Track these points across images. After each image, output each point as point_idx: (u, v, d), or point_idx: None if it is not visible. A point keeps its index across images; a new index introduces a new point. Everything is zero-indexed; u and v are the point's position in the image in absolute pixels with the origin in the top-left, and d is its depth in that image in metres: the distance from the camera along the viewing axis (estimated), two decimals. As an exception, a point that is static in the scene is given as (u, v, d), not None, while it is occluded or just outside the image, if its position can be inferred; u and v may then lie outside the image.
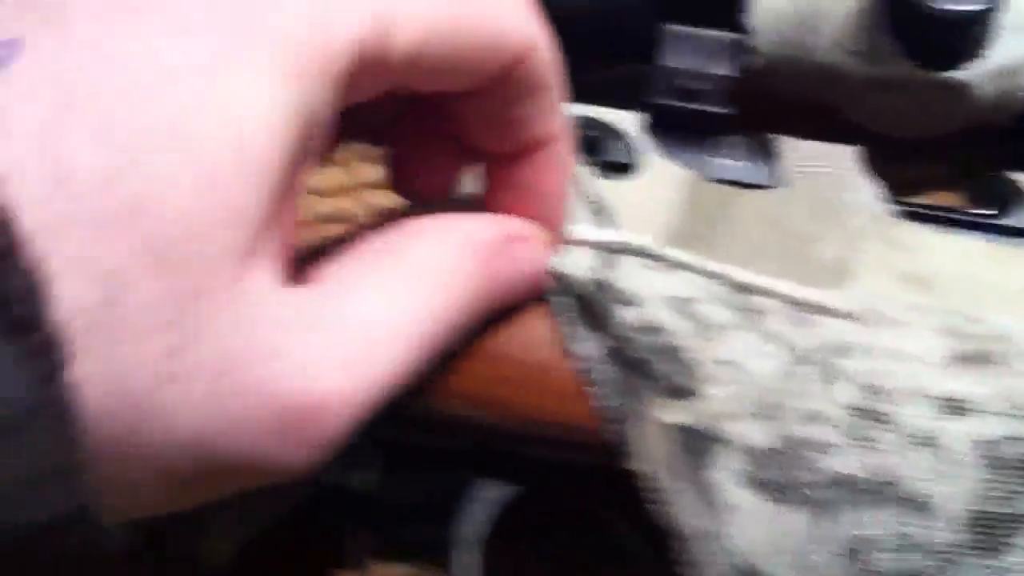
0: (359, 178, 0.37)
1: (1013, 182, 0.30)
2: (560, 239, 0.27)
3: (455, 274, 0.24)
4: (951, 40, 0.31)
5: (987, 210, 0.30)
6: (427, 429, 0.28)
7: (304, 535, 0.29)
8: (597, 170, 0.30)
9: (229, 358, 0.20)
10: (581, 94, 0.31)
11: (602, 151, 0.30)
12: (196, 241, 0.19)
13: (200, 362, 0.19)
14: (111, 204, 0.18)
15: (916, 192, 0.35)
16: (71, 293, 0.18)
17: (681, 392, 0.26)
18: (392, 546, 0.30)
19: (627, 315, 0.27)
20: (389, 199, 0.37)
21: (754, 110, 0.32)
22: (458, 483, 0.30)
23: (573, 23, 0.33)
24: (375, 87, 0.22)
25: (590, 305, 0.27)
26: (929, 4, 0.30)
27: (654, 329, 0.27)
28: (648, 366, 0.26)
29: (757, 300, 0.27)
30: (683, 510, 0.26)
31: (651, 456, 0.26)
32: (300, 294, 0.22)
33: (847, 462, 0.25)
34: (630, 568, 0.31)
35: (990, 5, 0.30)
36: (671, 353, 0.26)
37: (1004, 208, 0.30)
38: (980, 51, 0.32)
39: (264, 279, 0.21)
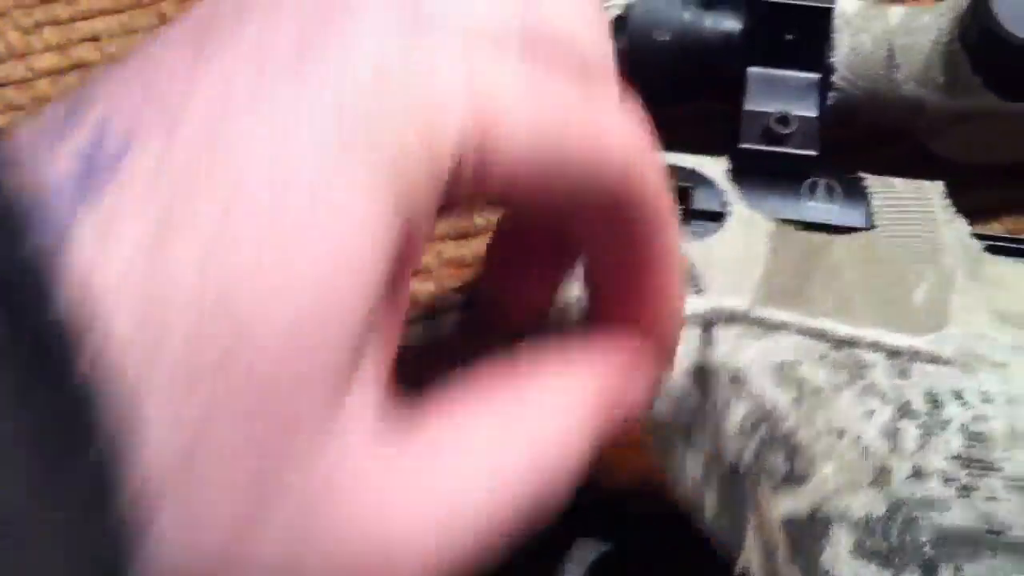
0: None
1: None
2: (673, 352, 0.26)
3: (577, 419, 0.22)
4: (1037, 70, 0.31)
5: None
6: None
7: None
8: (686, 223, 0.30)
9: (311, 510, 0.18)
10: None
11: (691, 200, 0.31)
12: (291, 378, 0.17)
13: (279, 517, 0.18)
14: (208, 335, 0.17)
15: (996, 218, 0.35)
16: (155, 443, 0.16)
17: (794, 479, 0.27)
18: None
19: (734, 412, 0.27)
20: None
21: (832, 142, 0.33)
22: (556, 539, 0.30)
23: (658, 63, 0.34)
24: (473, 195, 0.20)
25: (691, 417, 0.28)
26: (1009, 34, 0.31)
27: (762, 418, 0.27)
28: (759, 462, 0.27)
29: (859, 353, 0.28)
30: None
31: (765, 547, 0.27)
32: (397, 431, 0.20)
33: (956, 515, 0.26)
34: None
35: (1072, 34, 0.31)
36: (781, 441, 0.27)
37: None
38: (1063, 79, 0.32)
39: (359, 418, 0.19)
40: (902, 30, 0.33)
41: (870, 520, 0.26)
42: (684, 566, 0.30)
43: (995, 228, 0.35)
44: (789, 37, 0.32)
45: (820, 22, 0.32)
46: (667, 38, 0.33)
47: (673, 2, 0.33)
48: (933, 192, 0.31)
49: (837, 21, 0.33)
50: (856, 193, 0.31)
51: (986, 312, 0.28)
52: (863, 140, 0.35)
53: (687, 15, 0.33)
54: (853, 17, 0.33)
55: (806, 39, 0.32)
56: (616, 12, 0.33)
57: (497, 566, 0.30)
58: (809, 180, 0.31)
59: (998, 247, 0.30)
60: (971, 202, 0.35)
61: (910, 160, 0.35)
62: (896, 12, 0.33)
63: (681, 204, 0.31)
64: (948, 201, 0.31)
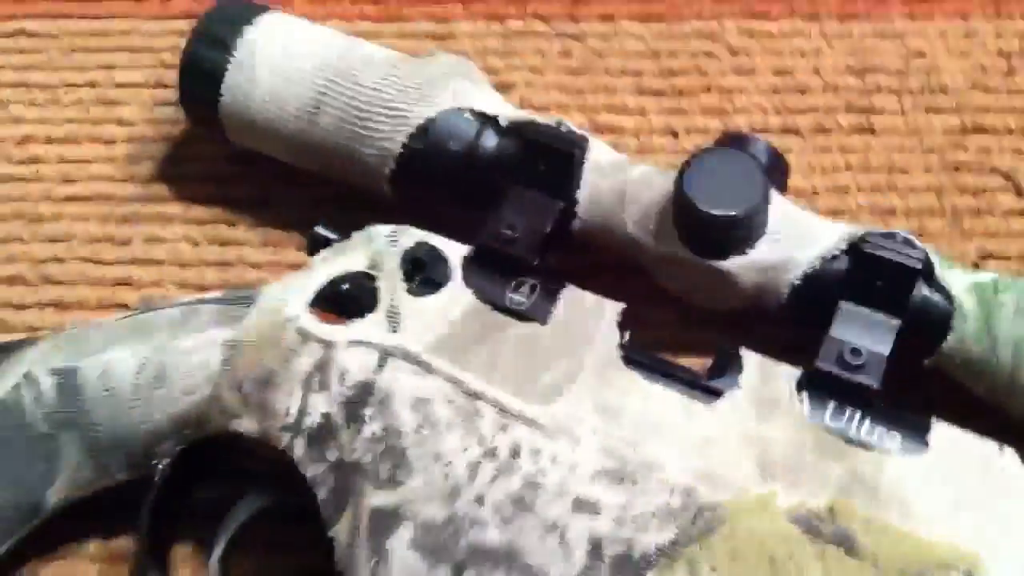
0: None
1: (738, 355, 0.37)
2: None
3: None
4: (714, 236, 0.39)
5: (711, 373, 0.38)
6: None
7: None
8: (413, 284, 0.39)
9: None
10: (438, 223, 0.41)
11: (424, 269, 0.39)
12: None
13: None
14: None
15: (684, 353, 0.42)
16: None
17: (392, 483, 0.35)
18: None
19: (373, 423, 0.36)
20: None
21: (577, 268, 0.41)
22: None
23: (446, 169, 0.43)
24: None
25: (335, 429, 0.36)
26: (698, 206, 0.38)
27: (390, 433, 0.35)
28: (373, 464, 0.35)
29: (479, 404, 0.36)
30: (356, 566, 0.35)
31: (353, 524, 0.35)
32: None
33: (490, 535, 0.34)
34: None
35: (745, 214, 0.38)
36: (395, 453, 0.35)
37: (722, 373, 0.37)
38: (743, 248, 0.39)
39: None
40: (638, 183, 0.41)
41: (431, 525, 0.34)
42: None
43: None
44: (543, 168, 0.41)
45: (566, 163, 0.41)
46: (458, 149, 0.42)
47: (469, 122, 0.42)
48: (608, 309, 0.38)
49: (588, 165, 0.41)
50: (551, 297, 0.39)
51: (591, 400, 0.36)
52: (601, 269, 0.43)
53: (475, 135, 0.42)
54: (603, 165, 0.42)
55: (556, 172, 0.41)
56: (420, 121, 0.42)
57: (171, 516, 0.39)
58: (523, 278, 0.39)
59: (640, 362, 0.37)
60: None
61: (642, 295, 0.42)
62: (638, 169, 0.42)
63: (418, 270, 0.39)
64: (616, 319, 0.38)
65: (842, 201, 0.47)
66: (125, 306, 0.46)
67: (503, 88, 0.50)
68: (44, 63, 0.53)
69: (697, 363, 0.40)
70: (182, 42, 0.53)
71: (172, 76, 0.51)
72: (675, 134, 0.49)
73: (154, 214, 0.49)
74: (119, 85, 0.52)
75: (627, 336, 0.38)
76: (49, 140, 0.51)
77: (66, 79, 0.53)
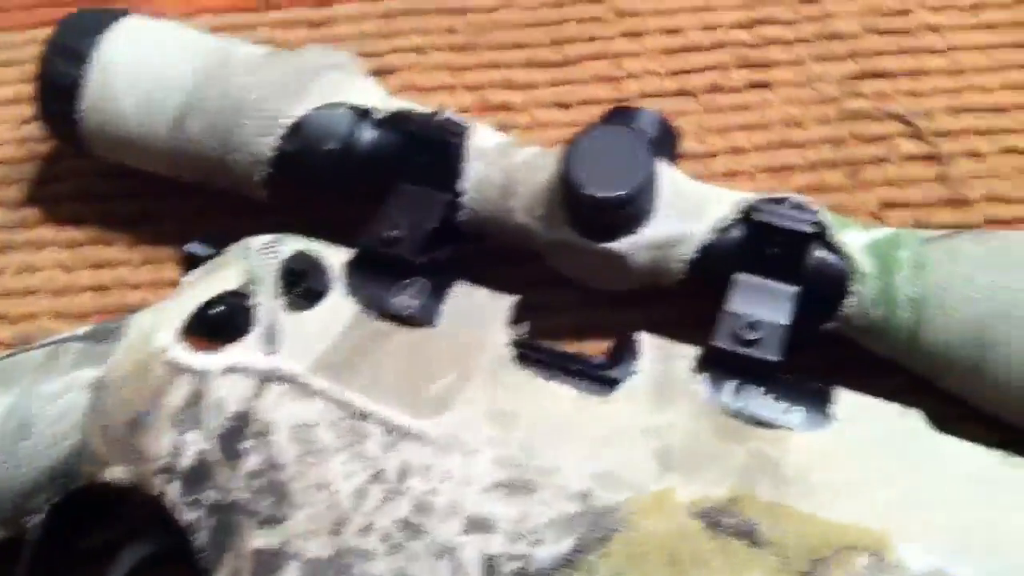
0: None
1: (635, 340, 0.36)
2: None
3: None
4: (603, 218, 0.37)
5: (609, 360, 0.36)
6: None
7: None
8: (291, 298, 0.37)
9: None
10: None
11: (305, 280, 0.37)
12: None
13: None
14: None
15: (588, 336, 0.41)
16: None
17: (274, 520, 0.33)
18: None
19: (252, 458, 0.34)
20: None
21: (470, 259, 0.39)
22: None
23: (323, 170, 0.40)
24: None
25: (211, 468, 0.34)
26: (582, 188, 0.37)
27: (270, 466, 0.34)
28: (253, 501, 0.33)
29: (365, 425, 0.34)
30: None
31: (233, 571, 0.33)
32: None
33: (379, 566, 0.32)
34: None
35: (631, 193, 0.37)
36: (275, 488, 0.33)
37: (619, 360, 0.36)
38: (633, 227, 0.38)
39: None
40: (524, 168, 0.39)
41: (318, 562, 0.32)
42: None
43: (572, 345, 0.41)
44: (424, 160, 0.39)
45: (446, 153, 0.39)
46: (334, 147, 0.40)
47: (343, 118, 0.40)
48: (499, 304, 0.37)
49: (471, 152, 0.39)
50: (440, 297, 0.37)
51: (484, 407, 0.34)
52: (495, 259, 0.41)
53: (350, 131, 0.40)
54: (487, 151, 0.40)
55: (438, 164, 0.39)
56: (290, 121, 0.40)
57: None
58: (409, 279, 0.37)
59: (535, 359, 0.36)
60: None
61: (541, 279, 0.41)
62: (525, 152, 0.40)
63: (292, 284, 0.37)
64: (508, 315, 0.36)
65: (738, 162, 0.45)
66: (-2, 344, 0.44)
67: (386, 72, 0.48)
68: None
69: (603, 346, 0.39)
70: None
71: (36, 90, 0.49)
72: (566, 106, 0.47)
73: (24, 241, 0.46)
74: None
75: (524, 329, 0.37)
76: (-91, 166, 0.48)
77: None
